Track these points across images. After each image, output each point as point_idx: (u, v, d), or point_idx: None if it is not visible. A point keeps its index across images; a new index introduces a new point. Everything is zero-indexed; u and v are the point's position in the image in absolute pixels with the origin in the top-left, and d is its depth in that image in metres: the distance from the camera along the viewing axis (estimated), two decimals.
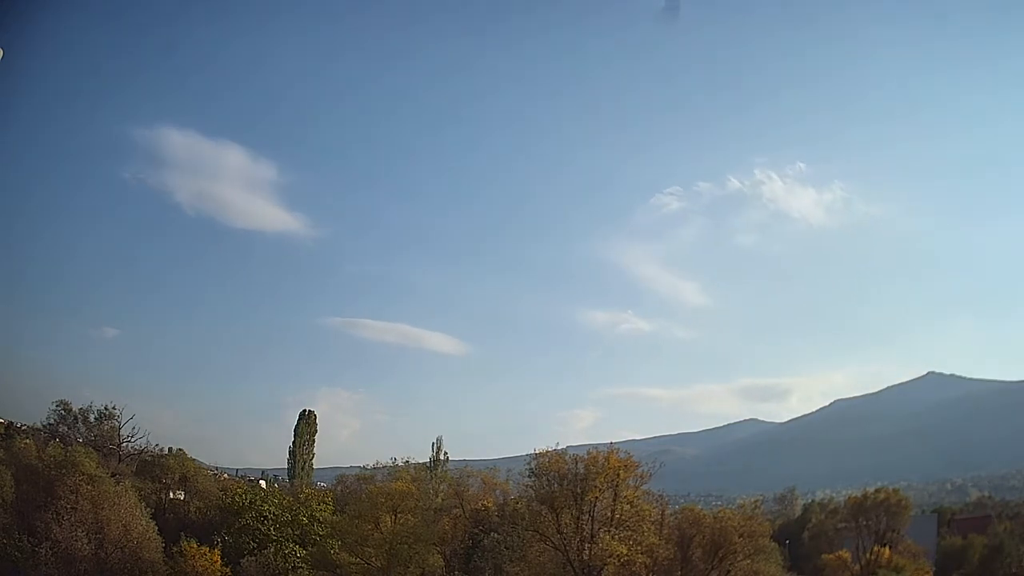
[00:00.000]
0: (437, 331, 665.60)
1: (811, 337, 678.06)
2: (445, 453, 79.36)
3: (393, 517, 42.78)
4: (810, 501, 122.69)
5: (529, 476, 40.45)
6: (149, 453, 60.16)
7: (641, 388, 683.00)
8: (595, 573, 37.63)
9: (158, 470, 57.24)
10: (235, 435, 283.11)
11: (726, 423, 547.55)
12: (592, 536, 37.81)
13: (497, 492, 59.02)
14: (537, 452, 40.08)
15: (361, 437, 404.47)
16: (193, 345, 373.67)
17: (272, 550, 46.98)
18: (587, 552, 37.49)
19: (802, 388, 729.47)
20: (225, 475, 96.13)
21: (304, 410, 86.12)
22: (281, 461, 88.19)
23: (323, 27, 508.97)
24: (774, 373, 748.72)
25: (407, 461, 58.35)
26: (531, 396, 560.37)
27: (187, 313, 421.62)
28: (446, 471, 73.48)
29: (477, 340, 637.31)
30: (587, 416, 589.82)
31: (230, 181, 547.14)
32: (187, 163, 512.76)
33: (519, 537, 45.43)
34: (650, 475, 40.73)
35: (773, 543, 58.94)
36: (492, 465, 68.92)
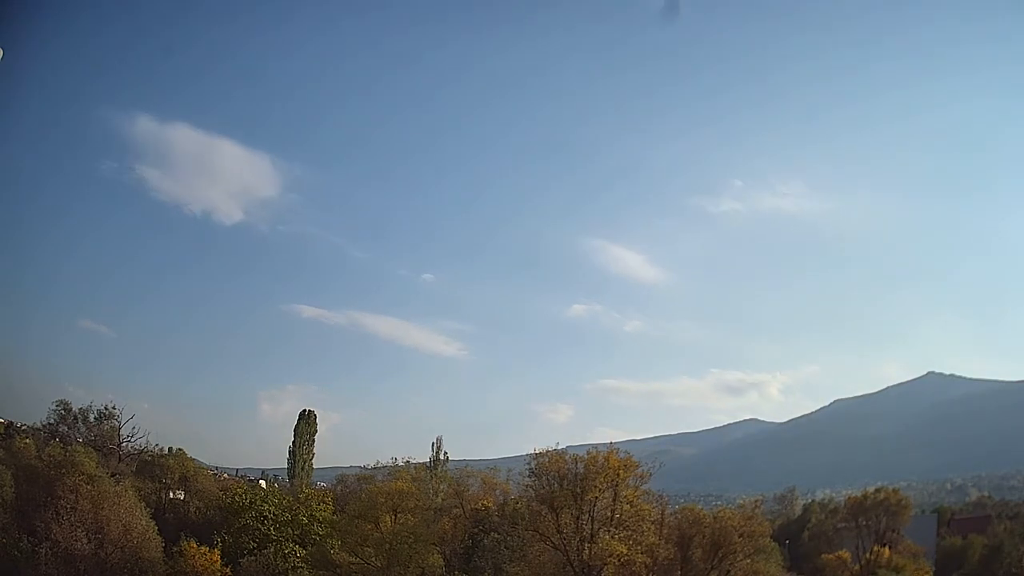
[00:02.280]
0: (400, 320, 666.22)
1: (785, 325, 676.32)
2: (445, 453, 79.60)
3: (393, 517, 42.74)
4: (810, 501, 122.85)
5: (529, 476, 40.37)
6: (149, 453, 60.17)
7: (608, 380, 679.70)
8: (595, 573, 37.57)
9: (158, 470, 57.24)
10: (219, 431, 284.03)
11: (725, 423, 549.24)
12: (592, 536, 37.72)
13: (497, 492, 59.07)
14: (537, 452, 40.01)
15: (340, 431, 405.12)
16: (186, 343, 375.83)
17: (272, 550, 46.92)
18: (587, 552, 37.41)
19: (779, 381, 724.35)
20: (225, 475, 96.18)
21: (304, 410, 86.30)
22: (281, 461, 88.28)
23: (327, 28, 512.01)
24: (745, 364, 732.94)
25: (407, 461, 58.40)
26: (506, 390, 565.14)
27: (172, 310, 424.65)
28: (446, 471, 73.53)
29: (458, 334, 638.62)
30: (565, 410, 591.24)
31: (229, 180, 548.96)
32: (186, 162, 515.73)
33: (519, 537, 45.36)
34: (650, 475, 40.64)
35: (773, 543, 59.03)
36: (492, 465, 69.01)
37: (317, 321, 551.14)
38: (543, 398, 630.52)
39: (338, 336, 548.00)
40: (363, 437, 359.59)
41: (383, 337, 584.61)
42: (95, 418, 59.82)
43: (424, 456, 76.36)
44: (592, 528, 37.96)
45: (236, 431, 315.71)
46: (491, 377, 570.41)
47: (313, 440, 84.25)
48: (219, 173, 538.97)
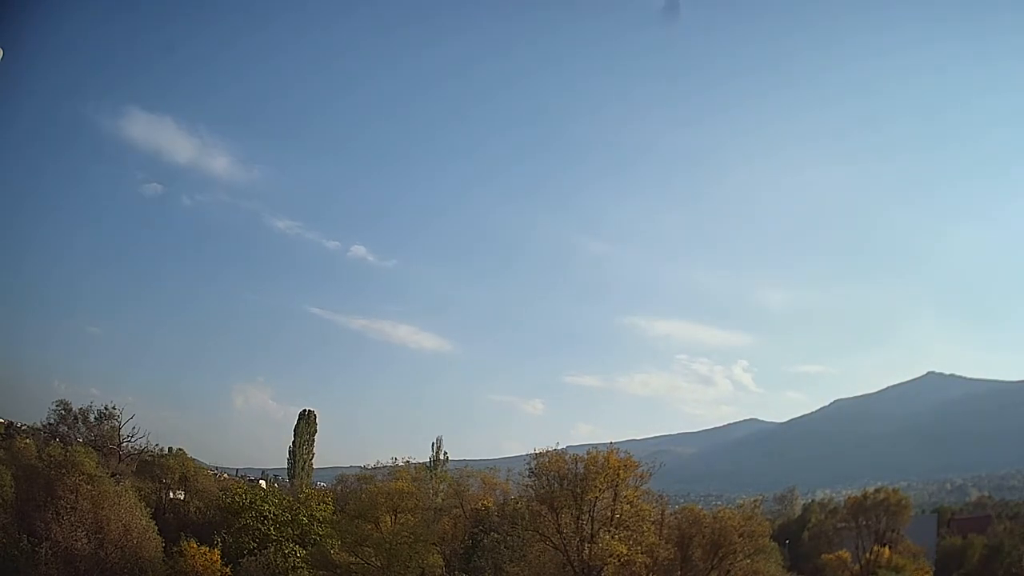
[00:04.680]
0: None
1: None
2: (445, 453, 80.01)
3: (393, 517, 42.77)
4: (810, 501, 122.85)
5: (529, 476, 40.40)
6: (149, 453, 60.19)
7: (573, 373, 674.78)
8: (595, 573, 37.58)
9: (158, 470, 57.29)
10: (198, 424, 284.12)
11: (725, 423, 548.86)
12: (592, 536, 37.74)
13: (497, 492, 59.06)
14: (537, 452, 40.06)
15: (324, 427, 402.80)
16: (182, 340, 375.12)
17: (272, 550, 46.97)
18: (587, 552, 37.43)
19: (752, 372, 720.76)
20: (225, 475, 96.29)
21: (304, 410, 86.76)
22: (281, 461, 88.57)
23: (321, 25, 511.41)
24: (711, 350, 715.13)
25: (407, 461, 58.41)
26: (483, 383, 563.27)
27: (172, 308, 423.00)
28: (446, 471, 73.63)
29: (442, 328, 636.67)
30: (539, 406, 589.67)
31: (224, 179, 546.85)
32: (183, 160, 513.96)
33: (519, 537, 45.39)
34: (650, 475, 40.67)
35: (773, 543, 59.02)
36: (492, 465, 69.07)
37: (270, 308, 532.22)
38: (515, 391, 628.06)
39: (289, 323, 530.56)
40: (345, 432, 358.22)
41: (336, 324, 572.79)
42: (95, 418, 59.79)
43: (424, 456, 76.66)
44: (592, 528, 37.97)
45: (214, 424, 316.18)
46: (464, 368, 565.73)
47: (313, 440, 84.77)
48: (217, 172, 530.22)
